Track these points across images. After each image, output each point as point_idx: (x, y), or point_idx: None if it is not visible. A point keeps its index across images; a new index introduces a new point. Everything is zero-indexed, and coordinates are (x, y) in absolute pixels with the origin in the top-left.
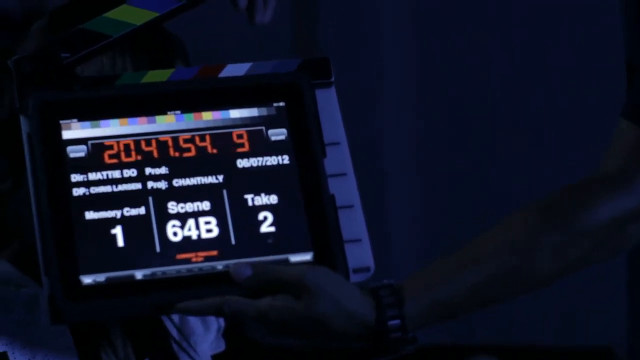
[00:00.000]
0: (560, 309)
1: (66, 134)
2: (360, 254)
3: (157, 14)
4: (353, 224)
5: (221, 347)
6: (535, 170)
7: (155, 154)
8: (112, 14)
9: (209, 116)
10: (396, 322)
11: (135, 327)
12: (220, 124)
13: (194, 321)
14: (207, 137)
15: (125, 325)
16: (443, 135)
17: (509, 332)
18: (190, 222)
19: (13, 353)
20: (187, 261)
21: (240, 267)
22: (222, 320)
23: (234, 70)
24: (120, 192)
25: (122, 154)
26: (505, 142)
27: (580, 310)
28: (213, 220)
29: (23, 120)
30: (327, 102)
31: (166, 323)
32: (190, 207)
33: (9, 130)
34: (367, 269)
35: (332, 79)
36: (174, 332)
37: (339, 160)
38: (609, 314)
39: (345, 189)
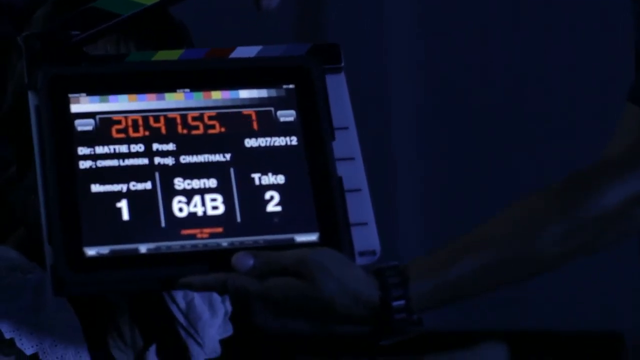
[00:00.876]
0: (570, 295)
1: (75, 108)
2: (366, 237)
3: None
4: (360, 207)
5: (229, 331)
6: (540, 155)
7: (163, 131)
8: None
9: (218, 95)
10: (401, 302)
11: (142, 313)
12: (230, 104)
13: (201, 306)
14: (216, 116)
15: (132, 311)
16: (450, 123)
17: (518, 319)
18: (197, 198)
19: (20, 339)
20: (192, 237)
21: (242, 257)
22: (229, 305)
23: (244, 52)
24: (127, 166)
25: (130, 129)
26: (511, 128)
27: (590, 297)
28: (219, 197)
29: (31, 95)
30: (337, 87)
31: (172, 309)
32: (196, 183)
33: (15, 118)
34: (373, 252)
35: (342, 65)
36: (180, 318)
37: (347, 145)
38: (619, 300)
39: (352, 172)
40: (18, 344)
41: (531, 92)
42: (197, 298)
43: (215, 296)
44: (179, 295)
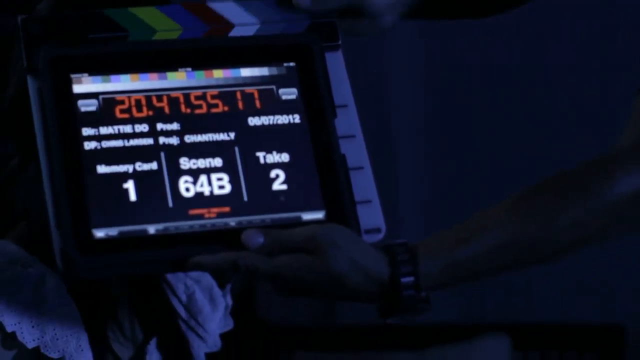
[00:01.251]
0: (571, 287)
1: (77, 88)
2: (371, 214)
3: (181, 30)
4: (363, 185)
5: (229, 325)
6: (538, 148)
7: (167, 110)
8: (138, 11)
9: (219, 74)
10: (410, 279)
11: (143, 306)
12: (232, 82)
13: (202, 300)
14: (219, 95)
15: (132, 304)
16: (450, 100)
17: (520, 311)
18: (203, 178)
19: (22, 332)
20: (200, 217)
21: (252, 235)
22: (229, 299)
23: (243, 31)
24: (132, 146)
25: (134, 109)
26: (511, 109)
27: (592, 289)
28: (225, 176)
29: (31, 79)
30: (335, 65)
31: (173, 302)
32: (202, 163)
33: (17, 110)
34: (378, 230)
35: (339, 42)
36: (181, 311)
37: (347, 123)
38: (620, 293)
39: (354, 150)
40: (19, 338)
41: (531, 90)
42: (198, 292)
43: (217, 290)
44: (180, 288)
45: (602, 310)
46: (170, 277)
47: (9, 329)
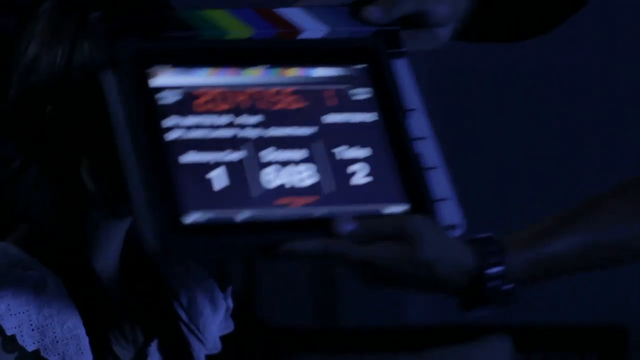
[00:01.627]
0: (574, 289)
1: (158, 81)
2: (448, 211)
3: (252, 31)
4: (439, 183)
5: (230, 327)
6: (540, 151)
7: (247, 104)
8: (209, 13)
9: (294, 72)
10: (497, 269)
11: (144, 309)
12: (307, 81)
13: (202, 302)
14: (295, 92)
15: (133, 307)
16: (453, 102)
17: (523, 312)
18: (284, 170)
19: (22, 336)
20: (285, 207)
21: (343, 221)
22: (230, 301)
23: (311, 35)
24: (214, 138)
25: (215, 102)
26: (515, 112)
27: (594, 290)
28: (308, 168)
29: (110, 73)
30: (402, 70)
31: (174, 305)
32: (284, 155)
33: (17, 111)
34: (457, 226)
35: (405, 49)
36: (182, 314)
37: (418, 125)
38: (623, 294)
39: (427, 151)
40: (19, 341)
41: (535, 92)
42: (199, 294)
43: (217, 292)
44: (181, 290)
45: (603, 311)
46: (172, 279)
47: (8, 332)
